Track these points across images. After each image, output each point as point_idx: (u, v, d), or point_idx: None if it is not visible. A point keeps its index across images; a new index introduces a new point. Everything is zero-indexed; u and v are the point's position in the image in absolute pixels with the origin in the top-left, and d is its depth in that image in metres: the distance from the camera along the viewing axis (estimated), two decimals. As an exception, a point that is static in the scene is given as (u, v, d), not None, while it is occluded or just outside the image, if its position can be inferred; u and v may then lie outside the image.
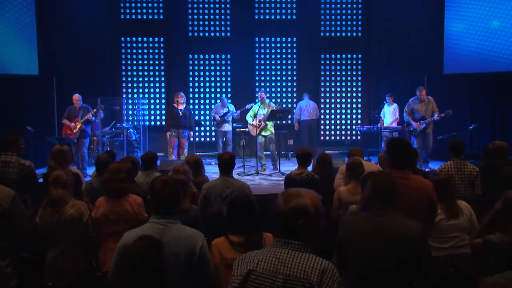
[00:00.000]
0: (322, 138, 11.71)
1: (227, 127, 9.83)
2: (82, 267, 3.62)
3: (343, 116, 11.85)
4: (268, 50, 11.61)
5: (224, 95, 10.47)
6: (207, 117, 11.34)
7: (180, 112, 8.88)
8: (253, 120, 8.95)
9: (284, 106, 11.04)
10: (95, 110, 8.79)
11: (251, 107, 9.25)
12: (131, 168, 4.21)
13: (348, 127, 11.85)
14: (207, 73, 11.53)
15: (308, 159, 5.12)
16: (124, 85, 11.36)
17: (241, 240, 2.94)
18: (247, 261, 2.01)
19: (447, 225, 3.78)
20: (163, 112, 11.24)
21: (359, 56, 11.70)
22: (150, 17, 11.34)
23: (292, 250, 1.94)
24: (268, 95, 10.08)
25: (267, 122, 8.83)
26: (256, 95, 8.80)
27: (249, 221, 3.01)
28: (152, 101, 11.47)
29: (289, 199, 1.98)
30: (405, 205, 3.03)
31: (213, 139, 10.27)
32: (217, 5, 11.45)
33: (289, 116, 10.77)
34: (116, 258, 2.52)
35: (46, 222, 3.54)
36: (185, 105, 9.03)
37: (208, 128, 11.40)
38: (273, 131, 8.95)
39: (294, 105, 11.42)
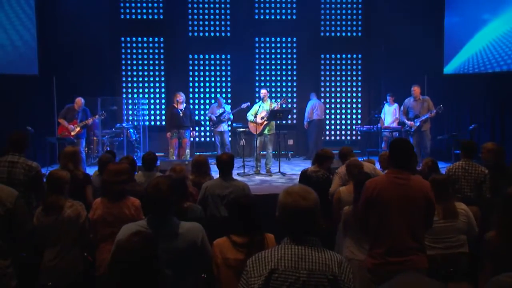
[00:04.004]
0: (322, 138, 11.69)
1: (224, 127, 9.77)
2: (81, 267, 3.62)
3: (343, 116, 11.86)
4: (268, 50, 11.60)
5: (223, 95, 10.43)
6: (207, 117, 11.35)
7: (180, 112, 8.82)
8: (254, 118, 8.64)
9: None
10: (96, 117, 8.79)
11: (247, 106, 9.16)
12: (130, 168, 4.20)
13: (348, 127, 11.86)
14: (207, 73, 11.53)
15: (327, 161, 5.16)
16: (124, 85, 11.36)
17: (243, 240, 2.93)
18: (263, 261, 2.05)
19: (441, 226, 3.77)
20: (163, 112, 11.23)
21: (359, 56, 11.71)
22: (150, 17, 11.35)
23: (308, 246, 2.05)
24: (268, 94, 10.01)
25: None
26: (257, 95, 8.72)
27: (251, 222, 3.00)
28: (152, 101, 11.47)
29: (306, 196, 2.07)
30: (404, 205, 3.05)
31: (213, 139, 10.26)
32: (217, 5, 11.46)
33: (289, 116, 10.72)
34: (113, 254, 2.45)
35: (42, 223, 3.54)
36: (185, 104, 8.96)
37: (208, 128, 11.40)
38: (274, 130, 8.73)
39: (295, 105, 11.41)
